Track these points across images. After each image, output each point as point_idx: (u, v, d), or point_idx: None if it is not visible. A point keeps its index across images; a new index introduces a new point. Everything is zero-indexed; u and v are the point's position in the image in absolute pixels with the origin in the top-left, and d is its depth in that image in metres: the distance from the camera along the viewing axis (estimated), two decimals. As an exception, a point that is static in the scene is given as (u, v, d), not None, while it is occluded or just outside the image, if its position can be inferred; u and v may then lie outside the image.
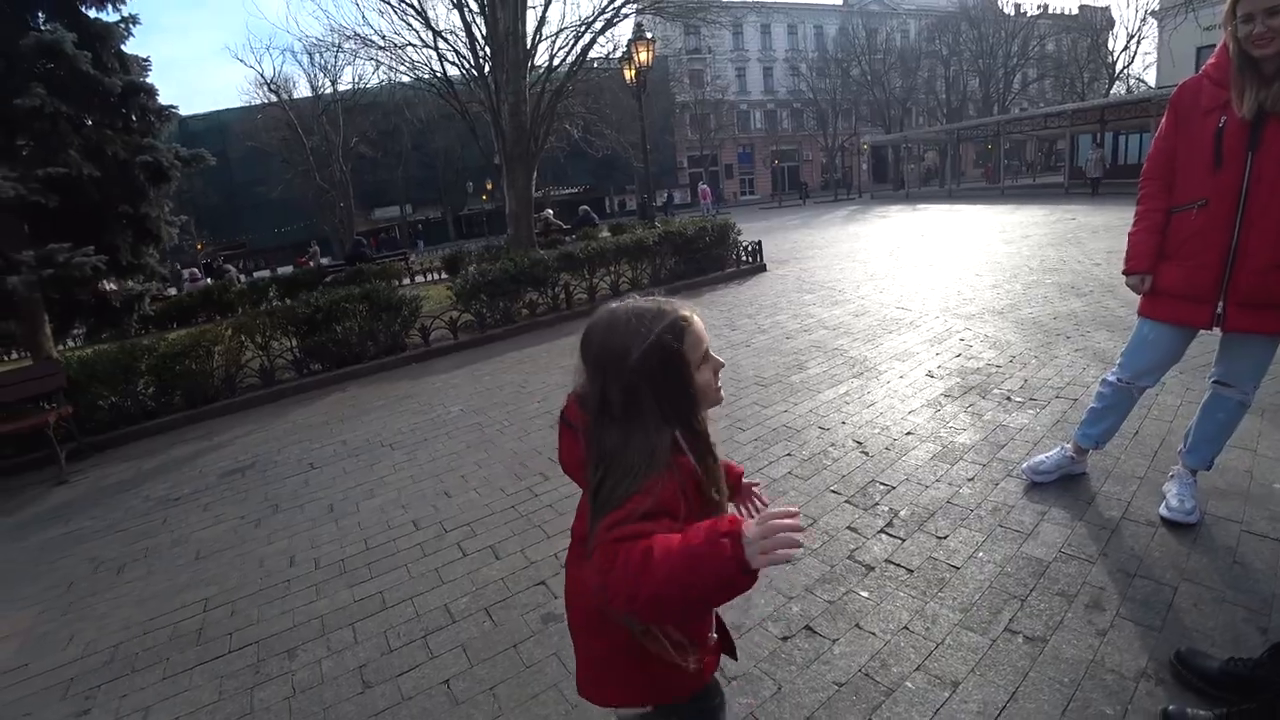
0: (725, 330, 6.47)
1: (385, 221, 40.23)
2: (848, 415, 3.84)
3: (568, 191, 38.05)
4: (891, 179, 36.79)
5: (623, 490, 0.93)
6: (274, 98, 31.52)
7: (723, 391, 1.08)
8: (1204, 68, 2.12)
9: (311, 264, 19.97)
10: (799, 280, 8.77)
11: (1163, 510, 2.41)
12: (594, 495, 0.98)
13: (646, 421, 0.97)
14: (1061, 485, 2.72)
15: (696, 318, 1.04)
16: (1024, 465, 2.87)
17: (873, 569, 2.36)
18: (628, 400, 0.97)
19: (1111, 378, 2.54)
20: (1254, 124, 1.96)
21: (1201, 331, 2.30)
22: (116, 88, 6.57)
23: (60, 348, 7.69)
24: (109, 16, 7.18)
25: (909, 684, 1.82)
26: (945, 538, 2.49)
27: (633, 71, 11.67)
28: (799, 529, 0.81)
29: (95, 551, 3.53)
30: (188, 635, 2.61)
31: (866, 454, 3.29)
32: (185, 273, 17.49)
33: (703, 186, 30.95)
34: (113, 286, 7.68)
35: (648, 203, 15.05)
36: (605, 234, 12.31)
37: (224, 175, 34.75)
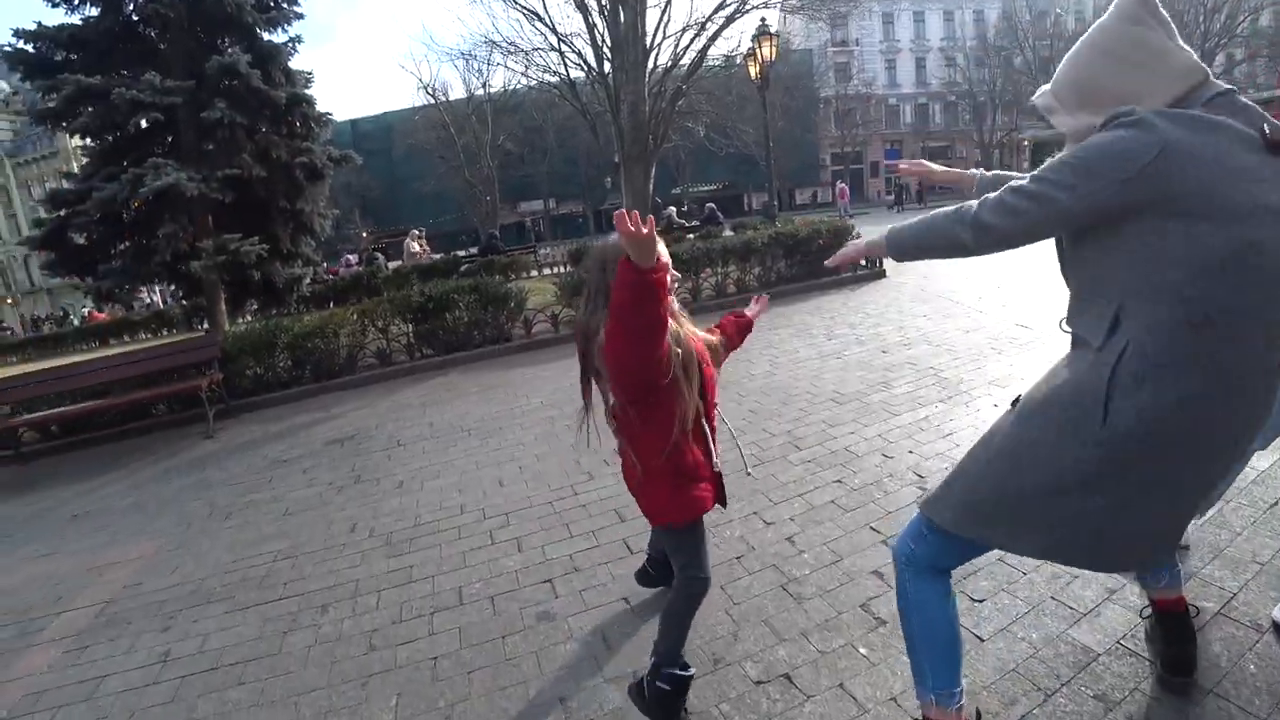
0: (821, 339, 6.13)
1: (530, 215, 42.74)
2: (918, 444, 3.50)
3: (705, 189, 38.07)
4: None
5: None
6: (432, 100, 34.64)
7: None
8: None
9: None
10: (917, 289, 8.09)
11: (1278, 613, 1.89)
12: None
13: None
14: (1148, 554, 2.28)
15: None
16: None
17: (884, 623, 2.13)
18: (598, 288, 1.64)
19: None
20: None
21: None
22: (282, 99, 7.66)
23: (239, 321, 9.03)
24: (278, 37, 8.46)
25: (871, 764, 1.63)
26: (981, 601, 2.18)
27: (757, 68, 11.36)
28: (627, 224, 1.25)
29: (215, 499, 4.15)
30: (254, 580, 3.00)
31: (924, 490, 2.99)
32: (343, 259, 19.82)
33: (840, 185, 29.48)
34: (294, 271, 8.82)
35: (770, 203, 14.64)
36: (728, 233, 12.13)
37: (387, 170, 38.95)
